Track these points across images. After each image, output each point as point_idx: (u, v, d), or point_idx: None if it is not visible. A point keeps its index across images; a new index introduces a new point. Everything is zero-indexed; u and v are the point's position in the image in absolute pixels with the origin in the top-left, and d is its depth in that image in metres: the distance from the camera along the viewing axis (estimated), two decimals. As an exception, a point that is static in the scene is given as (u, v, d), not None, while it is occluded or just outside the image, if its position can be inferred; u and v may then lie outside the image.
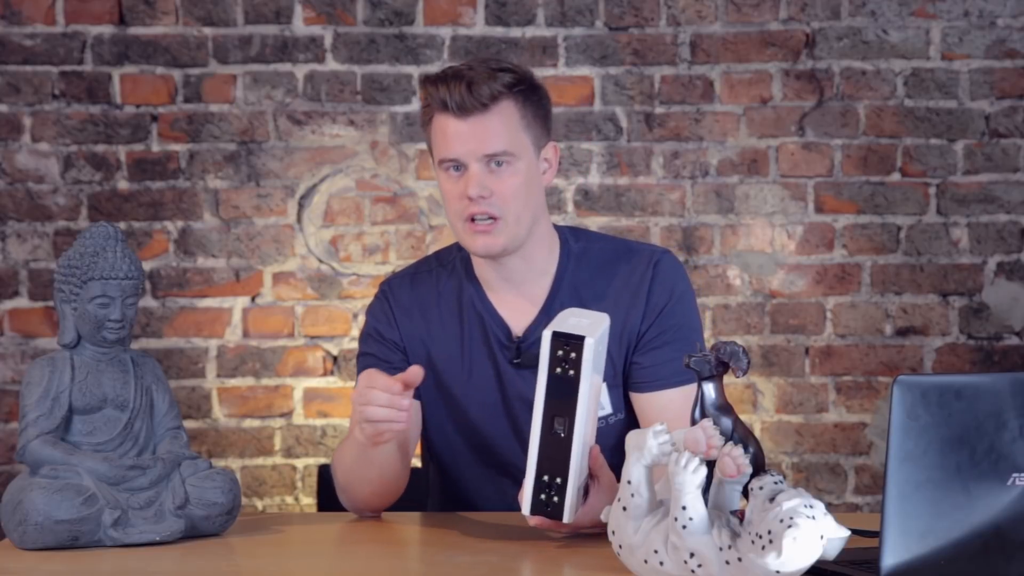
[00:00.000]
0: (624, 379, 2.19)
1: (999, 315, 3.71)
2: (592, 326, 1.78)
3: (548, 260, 2.20)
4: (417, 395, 2.20)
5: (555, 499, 1.78)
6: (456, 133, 2.08)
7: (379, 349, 2.22)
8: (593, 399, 1.80)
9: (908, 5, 3.71)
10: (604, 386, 2.16)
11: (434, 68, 3.69)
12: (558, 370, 1.75)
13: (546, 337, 1.76)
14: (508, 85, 2.09)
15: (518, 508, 1.82)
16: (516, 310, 2.19)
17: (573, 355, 1.75)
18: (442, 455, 2.27)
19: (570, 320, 1.80)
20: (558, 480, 1.77)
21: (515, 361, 2.17)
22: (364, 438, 1.98)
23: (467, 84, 2.07)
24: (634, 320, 2.18)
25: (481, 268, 2.20)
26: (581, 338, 1.74)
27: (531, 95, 2.13)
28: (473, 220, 2.10)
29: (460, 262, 2.25)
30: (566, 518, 1.78)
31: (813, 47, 3.72)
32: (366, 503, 2.15)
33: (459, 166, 2.10)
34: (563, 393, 1.75)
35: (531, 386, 1.79)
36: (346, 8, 3.70)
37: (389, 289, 2.27)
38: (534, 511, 1.80)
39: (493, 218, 2.09)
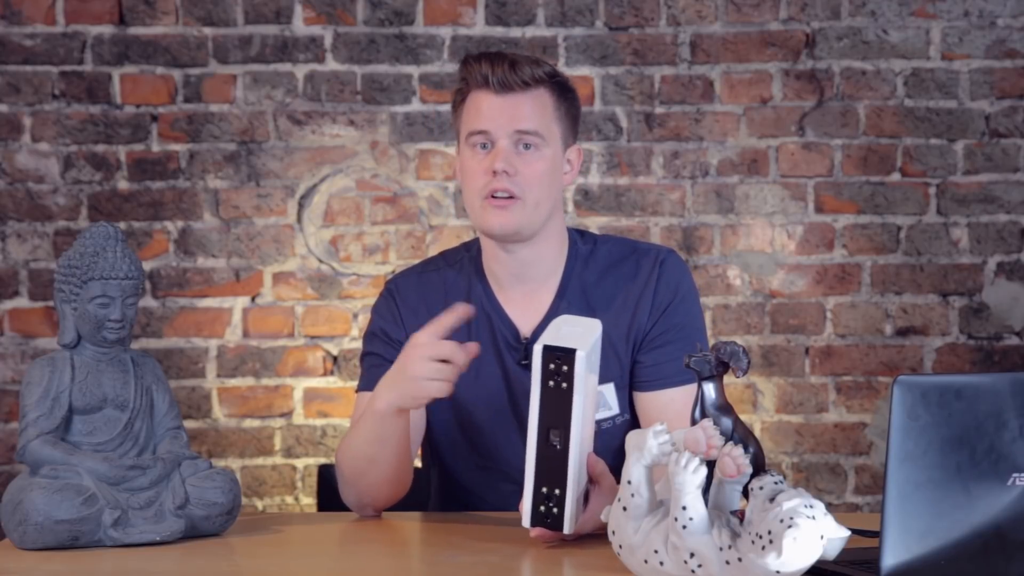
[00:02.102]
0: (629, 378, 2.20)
1: (999, 315, 3.71)
2: (584, 336, 1.78)
3: (557, 260, 2.21)
4: None
5: (555, 511, 1.78)
6: (490, 107, 2.11)
7: (385, 349, 2.21)
8: (588, 409, 1.80)
9: (908, 5, 3.71)
10: (611, 386, 2.16)
11: (434, 68, 3.69)
12: (551, 383, 1.76)
13: (537, 351, 1.76)
14: (548, 74, 2.14)
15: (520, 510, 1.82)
16: (524, 310, 2.19)
17: (565, 368, 1.75)
18: (445, 456, 2.26)
19: (563, 330, 1.80)
20: (557, 492, 1.78)
21: (523, 362, 2.17)
22: (406, 395, 1.98)
23: (510, 63, 2.11)
24: (641, 319, 2.18)
25: (492, 261, 2.20)
26: (572, 351, 1.74)
27: (566, 92, 2.17)
28: (493, 197, 2.10)
29: (468, 261, 2.24)
30: (566, 529, 1.79)
31: (813, 47, 3.72)
32: (375, 491, 2.11)
33: (487, 143, 2.11)
34: (557, 405, 1.76)
35: None
36: (346, 8, 3.70)
37: (396, 287, 2.26)
38: (534, 523, 1.80)
39: (513, 197, 2.10)
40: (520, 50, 3.68)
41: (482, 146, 2.12)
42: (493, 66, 2.10)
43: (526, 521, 1.80)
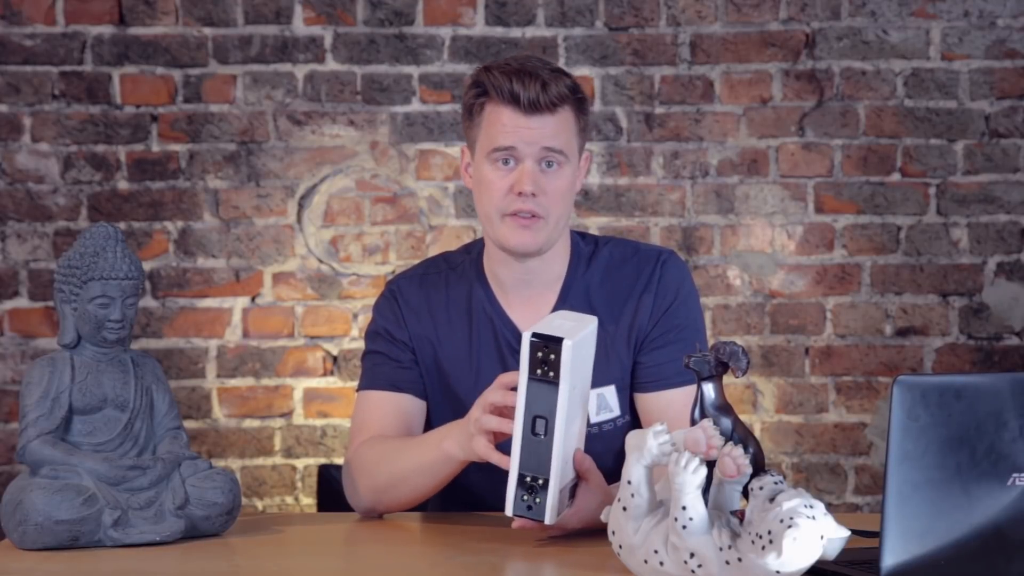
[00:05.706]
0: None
1: (999, 315, 3.71)
2: (575, 328, 1.78)
3: (561, 263, 2.21)
4: (423, 397, 2.20)
5: (537, 500, 1.78)
6: (517, 126, 2.08)
7: (388, 348, 2.21)
8: (575, 401, 1.80)
9: (908, 5, 3.71)
10: (612, 388, 2.16)
11: (434, 68, 3.69)
12: (538, 371, 1.76)
13: (526, 339, 1.76)
14: (571, 89, 2.11)
15: (519, 510, 1.83)
16: (527, 313, 2.19)
17: (552, 357, 1.75)
18: (446, 457, 2.26)
19: (555, 322, 1.80)
20: (540, 481, 1.78)
21: None
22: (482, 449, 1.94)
23: (542, 83, 2.08)
24: (642, 320, 2.18)
25: (498, 267, 2.20)
26: (559, 340, 1.75)
27: (583, 104, 2.15)
28: (515, 215, 2.10)
29: (470, 264, 2.24)
30: (547, 519, 1.79)
31: (813, 47, 3.72)
32: (395, 505, 2.13)
33: (510, 159, 2.10)
34: (543, 395, 1.76)
35: None
36: (346, 8, 3.70)
37: (398, 289, 2.26)
38: (515, 512, 1.80)
39: (536, 216, 2.10)
40: (520, 50, 3.68)
41: (504, 161, 2.10)
42: (525, 86, 2.07)
43: (508, 510, 1.80)
